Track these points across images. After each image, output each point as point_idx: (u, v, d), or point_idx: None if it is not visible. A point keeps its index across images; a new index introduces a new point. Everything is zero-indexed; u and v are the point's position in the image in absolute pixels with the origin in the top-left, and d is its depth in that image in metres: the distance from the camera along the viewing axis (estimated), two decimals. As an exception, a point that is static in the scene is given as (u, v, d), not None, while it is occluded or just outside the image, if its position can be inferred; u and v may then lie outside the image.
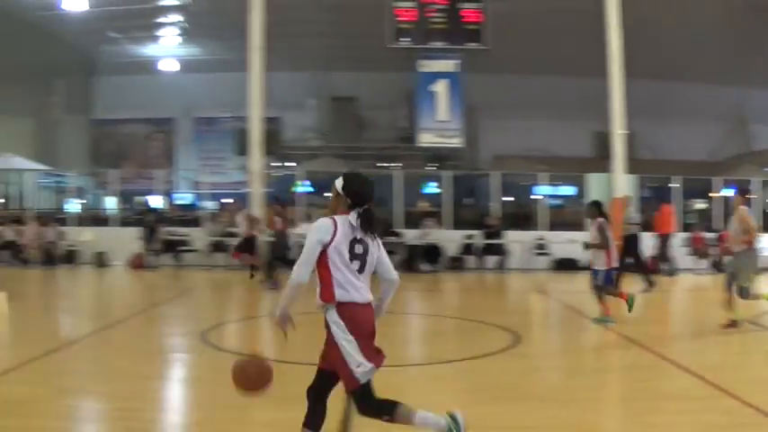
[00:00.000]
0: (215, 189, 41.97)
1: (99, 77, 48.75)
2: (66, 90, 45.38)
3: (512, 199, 34.61)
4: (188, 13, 36.43)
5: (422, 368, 11.44)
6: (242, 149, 29.41)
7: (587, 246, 15.63)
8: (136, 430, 8.05)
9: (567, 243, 25.59)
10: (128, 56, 44.67)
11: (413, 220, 29.12)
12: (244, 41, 29.61)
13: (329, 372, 6.58)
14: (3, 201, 39.67)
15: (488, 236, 27.86)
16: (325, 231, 6.23)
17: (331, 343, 6.42)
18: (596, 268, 15.16)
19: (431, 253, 27.41)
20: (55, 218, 30.62)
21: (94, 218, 34.77)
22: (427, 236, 27.53)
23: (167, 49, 43.01)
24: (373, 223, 6.40)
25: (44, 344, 12.52)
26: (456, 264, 27.78)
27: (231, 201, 34.63)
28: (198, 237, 28.96)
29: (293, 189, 32.00)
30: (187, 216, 35.32)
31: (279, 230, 22.13)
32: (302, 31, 36.74)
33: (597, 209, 15.35)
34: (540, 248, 28.28)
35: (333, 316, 6.34)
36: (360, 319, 6.31)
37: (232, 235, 27.62)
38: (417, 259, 26.88)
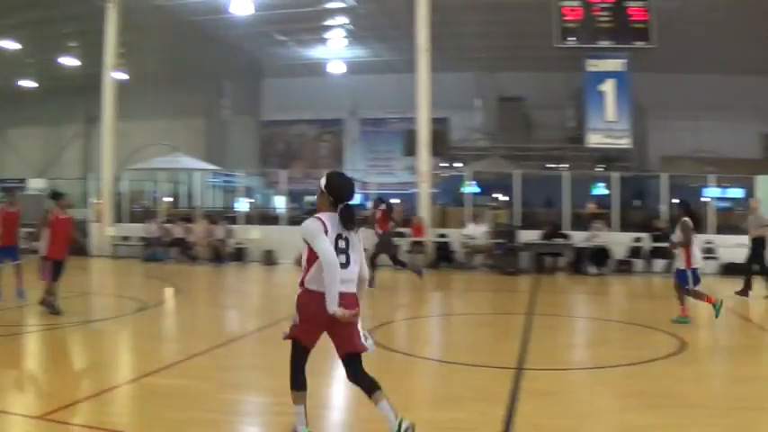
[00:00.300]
0: (382, 190, 42.03)
1: (267, 79, 49.60)
2: (236, 92, 46.25)
3: (679, 201, 33.68)
4: (354, 16, 36.60)
5: (587, 372, 11.16)
6: (410, 150, 29.45)
7: (672, 245, 15.57)
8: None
9: (735, 247, 24.76)
10: (295, 58, 45.24)
11: (581, 222, 28.61)
12: (410, 43, 29.63)
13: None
14: (172, 199, 40.60)
15: (656, 239, 27.16)
16: (318, 229, 6.84)
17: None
18: (678, 268, 15.11)
19: (598, 255, 26.82)
20: (224, 216, 31.16)
21: (263, 216, 35.26)
22: (595, 238, 27.02)
23: (334, 51, 43.34)
24: (353, 219, 6.96)
25: (209, 339, 12.71)
26: (623, 267, 27.09)
27: (398, 201, 34.62)
28: (365, 237, 28.90)
29: (461, 190, 31.80)
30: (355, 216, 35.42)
31: (386, 231, 21.95)
32: (468, 31, 36.57)
33: (683, 208, 15.45)
34: (708, 252, 27.41)
35: (300, 297, 7.10)
36: (319, 304, 6.77)
37: (400, 235, 27.66)
38: (584, 262, 26.41)
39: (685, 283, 14.88)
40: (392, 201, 34.70)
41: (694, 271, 14.84)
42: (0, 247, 17.05)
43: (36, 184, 41.33)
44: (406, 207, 31.00)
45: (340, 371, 10.83)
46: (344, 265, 6.88)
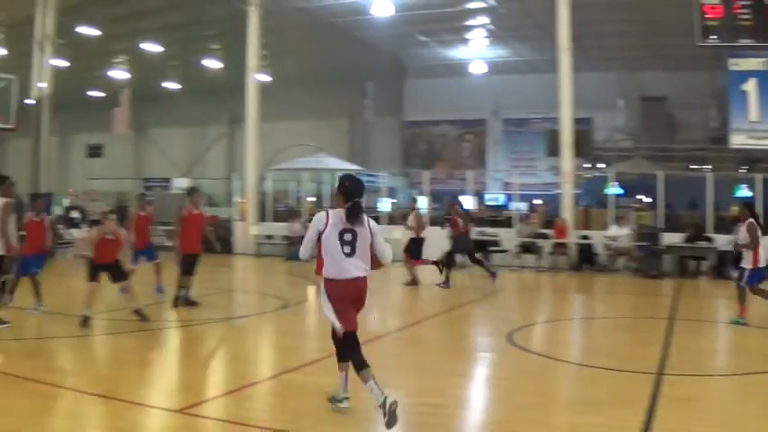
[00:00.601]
0: (525, 190, 41.79)
1: (410, 80, 49.81)
2: (379, 93, 46.54)
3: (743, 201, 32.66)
4: (494, 16, 36.50)
5: (730, 378, 10.90)
6: (553, 150, 29.22)
7: (737, 246, 15.53)
8: (435, 425, 8.13)
9: None
10: (437, 59, 45.35)
11: (724, 225, 27.98)
12: (551, 42, 29.45)
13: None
14: (315, 199, 41.05)
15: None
16: (320, 222, 8.09)
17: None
18: (743, 266, 15.05)
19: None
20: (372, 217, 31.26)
21: (405, 217, 35.35)
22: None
23: (475, 51, 43.29)
24: (358, 214, 8.04)
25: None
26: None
27: (541, 202, 34.41)
28: (507, 238, 28.84)
29: (604, 191, 31.43)
30: (497, 217, 35.30)
31: (461, 232, 21.77)
32: (609, 30, 36.12)
33: (748, 209, 15.48)
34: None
35: (321, 284, 8.30)
36: (337, 292, 8.17)
37: (543, 237, 27.51)
38: (728, 266, 25.82)
39: (754, 282, 14.91)
40: (535, 201, 34.60)
41: (760, 271, 14.85)
42: (137, 248, 17.73)
43: (180, 184, 42.28)
44: (549, 208, 30.82)
45: (478, 371, 10.95)
46: (350, 255, 8.12)
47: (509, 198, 43.43)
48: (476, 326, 16.05)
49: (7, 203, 13.50)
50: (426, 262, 22.99)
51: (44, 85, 32.60)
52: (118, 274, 14.19)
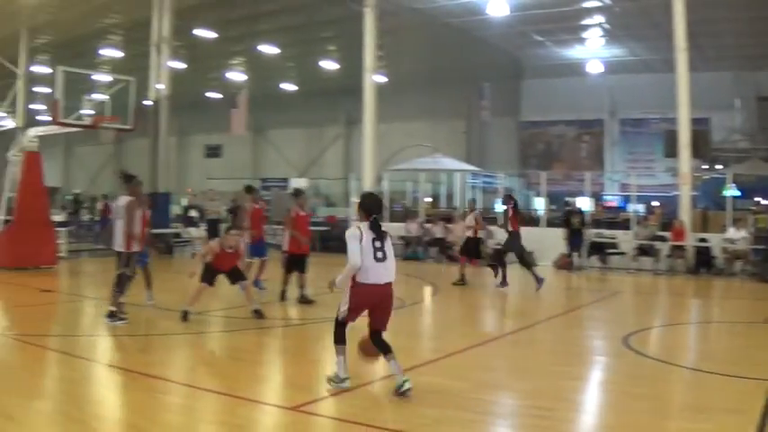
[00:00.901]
0: (643, 191, 41.31)
1: (526, 80, 49.61)
2: (495, 93, 46.43)
3: None
4: (610, 15, 36.19)
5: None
6: (670, 151, 28.82)
7: None
8: (547, 428, 8.13)
9: None
10: (553, 58, 45.10)
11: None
12: (667, 42, 29.08)
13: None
14: (431, 199, 41.12)
15: None
16: (356, 236, 9.14)
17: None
18: None
19: None
20: (484, 217, 31.20)
21: (522, 218, 35.25)
22: None
23: (592, 50, 42.94)
24: (379, 229, 9.25)
25: (466, 338, 13.01)
26: None
27: (657, 204, 33.92)
28: (625, 240, 28.50)
29: (722, 193, 30.87)
30: (615, 218, 34.94)
31: (515, 231, 21.54)
32: (725, 29, 35.60)
33: None
34: None
35: (353, 288, 9.30)
36: (366, 294, 9.30)
37: (661, 239, 27.17)
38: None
39: None
40: (652, 203, 34.13)
41: None
42: (252, 242, 18.20)
43: (298, 184, 42.73)
44: (667, 210, 30.40)
45: (592, 375, 10.91)
46: (382, 259, 9.25)
47: (626, 200, 42.95)
48: (591, 329, 15.91)
49: (131, 202, 14.08)
50: (478, 264, 23.50)
51: (162, 86, 33.28)
52: (236, 275, 14.49)
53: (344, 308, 9.40)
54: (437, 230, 29.98)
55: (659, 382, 10.42)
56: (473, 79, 45.68)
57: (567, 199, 38.26)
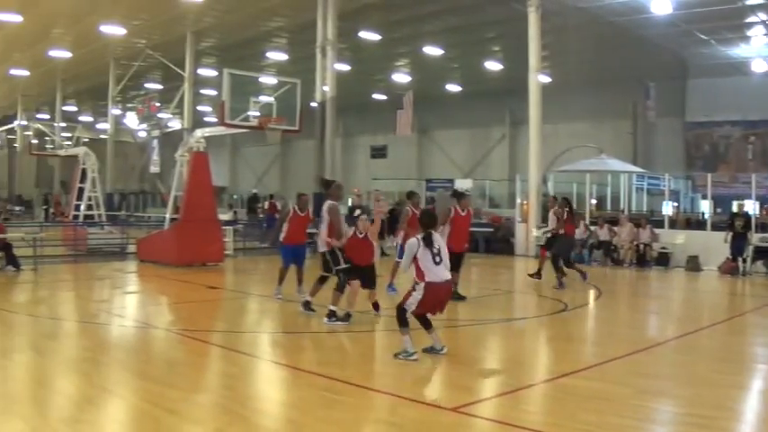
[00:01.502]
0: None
1: (692, 80, 48.52)
2: (660, 93, 45.57)
3: None
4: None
5: None
6: None
7: None
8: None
9: None
10: (718, 57, 43.98)
11: None
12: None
13: None
14: (596, 201, 40.64)
15: None
16: (415, 247, 11.02)
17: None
18: None
19: None
20: (649, 219, 30.67)
21: (687, 221, 34.57)
22: None
23: (757, 49, 41.78)
24: (432, 240, 11.09)
25: (628, 344, 12.73)
26: None
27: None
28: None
29: None
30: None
31: (567, 233, 20.88)
32: None
33: None
34: None
35: (420, 287, 10.98)
36: (433, 292, 10.97)
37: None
38: None
39: None
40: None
41: None
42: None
43: (463, 185, 42.69)
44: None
45: (754, 384, 10.58)
46: (438, 263, 11.06)
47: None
48: (756, 335, 15.42)
49: (332, 206, 15.06)
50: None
51: (327, 88, 33.72)
52: (369, 280, 14.49)
53: (413, 302, 11.09)
54: (602, 233, 29.52)
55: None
56: (638, 79, 44.97)
57: (737, 202, 37.34)
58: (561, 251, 21.27)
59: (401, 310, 11.07)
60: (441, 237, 12.54)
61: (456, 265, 16.89)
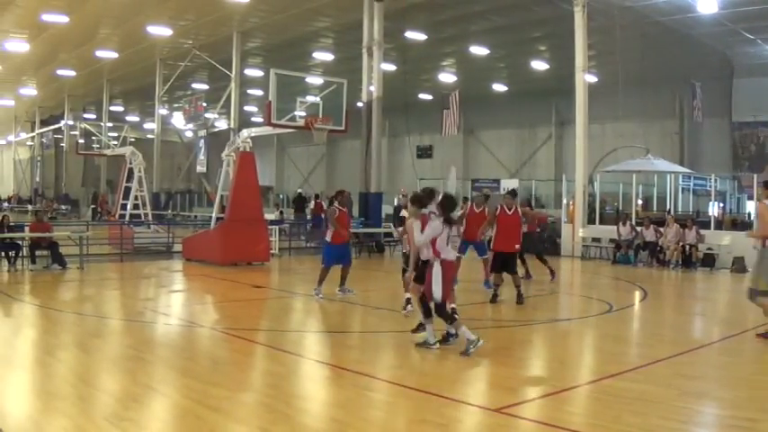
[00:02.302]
0: None
1: (738, 79, 48.06)
2: (707, 92, 45.19)
3: None
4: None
5: None
6: None
7: None
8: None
9: None
10: (765, 57, 43.56)
11: None
12: None
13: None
14: (642, 202, 40.37)
15: None
16: (438, 229, 11.87)
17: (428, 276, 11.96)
18: None
19: None
20: (695, 220, 30.40)
21: (733, 221, 34.25)
22: None
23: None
24: (451, 222, 12.18)
25: (673, 345, 12.71)
26: None
27: None
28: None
29: None
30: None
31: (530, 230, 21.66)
32: None
33: None
34: None
35: (437, 263, 11.83)
36: (447, 267, 11.93)
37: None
38: None
39: None
40: None
41: None
42: (466, 239, 18.73)
43: (509, 185, 42.59)
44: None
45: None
46: (448, 244, 12.03)
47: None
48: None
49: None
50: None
51: (373, 88, 33.76)
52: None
53: (438, 290, 11.74)
54: (648, 234, 29.32)
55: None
56: (684, 79, 44.60)
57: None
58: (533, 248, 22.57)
59: (440, 307, 11.79)
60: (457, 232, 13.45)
61: (508, 266, 16.95)
